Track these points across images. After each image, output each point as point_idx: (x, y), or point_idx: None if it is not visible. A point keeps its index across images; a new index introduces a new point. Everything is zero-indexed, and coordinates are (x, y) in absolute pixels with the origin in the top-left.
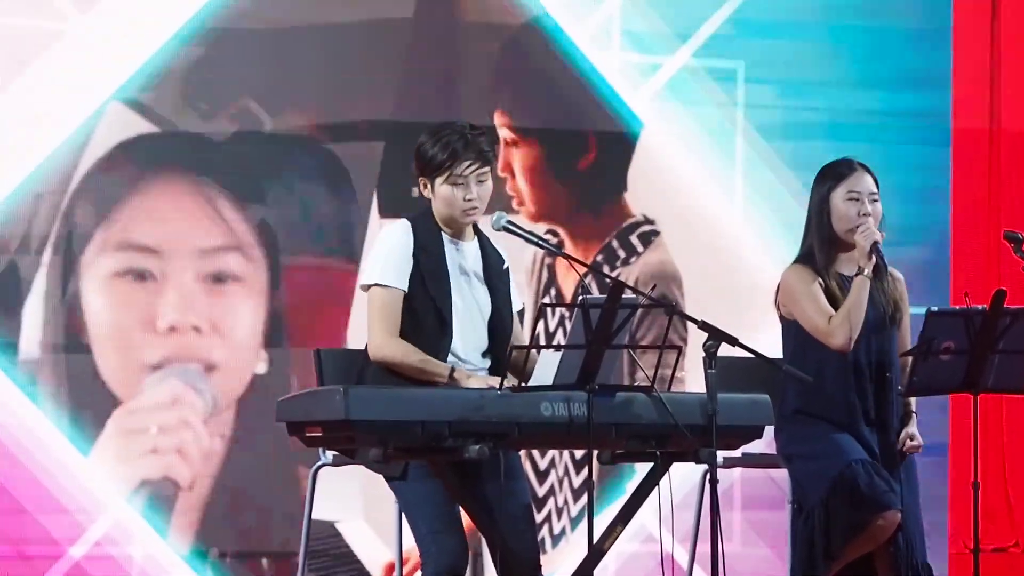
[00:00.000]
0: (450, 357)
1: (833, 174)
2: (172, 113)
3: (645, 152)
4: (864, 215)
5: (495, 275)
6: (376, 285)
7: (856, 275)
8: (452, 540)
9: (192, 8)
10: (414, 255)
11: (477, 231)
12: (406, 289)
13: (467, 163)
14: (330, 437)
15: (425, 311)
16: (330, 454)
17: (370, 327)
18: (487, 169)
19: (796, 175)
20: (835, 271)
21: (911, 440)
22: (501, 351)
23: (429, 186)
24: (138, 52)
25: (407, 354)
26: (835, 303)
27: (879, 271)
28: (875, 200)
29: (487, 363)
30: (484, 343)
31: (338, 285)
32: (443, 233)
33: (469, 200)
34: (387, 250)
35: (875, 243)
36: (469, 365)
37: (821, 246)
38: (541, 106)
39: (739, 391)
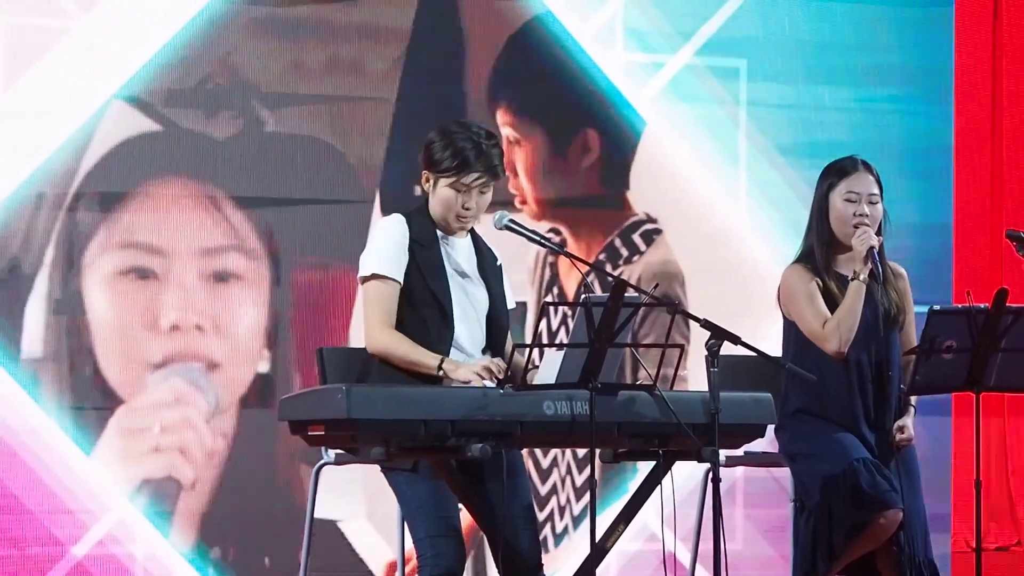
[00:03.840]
0: (453, 350)
1: (835, 171)
2: (175, 111)
3: (648, 150)
4: (860, 216)
5: (490, 272)
6: (373, 277)
7: (852, 280)
8: (449, 544)
9: (195, 7)
10: (410, 248)
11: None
12: (402, 281)
13: (475, 175)
14: (332, 436)
15: (425, 305)
16: (332, 453)
17: (365, 318)
18: (493, 183)
19: (799, 173)
20: (835, 271)
21: (901, 433)
22: (499, 346)
23: (432, 181)
24: (141, 50)
25: (397, 344)
26: (834, 303)
27: (876, 276)
28: (874, 202)
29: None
30: (482, 339)
31: (341, 284)
32: (437, 230)
33: (467, 208)
34: (382, 242)
35: (871, 248)
36: (471, 359)
37: (820, 246)
38: (544, 104)
39: (741, 390)
